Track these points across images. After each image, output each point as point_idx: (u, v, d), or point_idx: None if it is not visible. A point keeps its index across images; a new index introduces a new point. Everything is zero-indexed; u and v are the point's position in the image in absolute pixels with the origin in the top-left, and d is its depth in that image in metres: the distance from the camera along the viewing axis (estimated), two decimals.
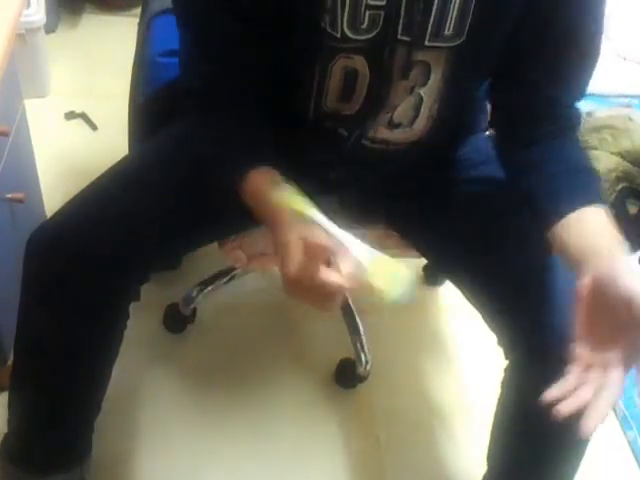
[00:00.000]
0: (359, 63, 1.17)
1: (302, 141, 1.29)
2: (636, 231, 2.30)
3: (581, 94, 1.26)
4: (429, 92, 1.22)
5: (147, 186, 1.28)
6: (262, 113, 1.20)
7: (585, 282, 1.00)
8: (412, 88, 1.21)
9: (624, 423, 1.92)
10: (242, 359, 1.91)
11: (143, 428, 1.74)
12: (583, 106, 2.93)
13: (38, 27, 2.37)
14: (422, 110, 1.25)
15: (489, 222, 1.32)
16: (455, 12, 1.11)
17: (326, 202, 1.52)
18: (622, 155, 2.42)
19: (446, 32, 1.13)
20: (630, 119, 2.53)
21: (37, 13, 2.34)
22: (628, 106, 2.76)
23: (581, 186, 1.16)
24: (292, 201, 1.04)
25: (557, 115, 1.24)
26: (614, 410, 1.94)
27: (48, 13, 2.42)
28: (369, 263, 0.98)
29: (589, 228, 1.10)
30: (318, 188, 1.38)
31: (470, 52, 1.16)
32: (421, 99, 1.23)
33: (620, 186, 2.37)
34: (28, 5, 2.31)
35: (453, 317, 2.11)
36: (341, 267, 0.97)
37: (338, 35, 1.13)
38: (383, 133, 1.27)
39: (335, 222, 1.49)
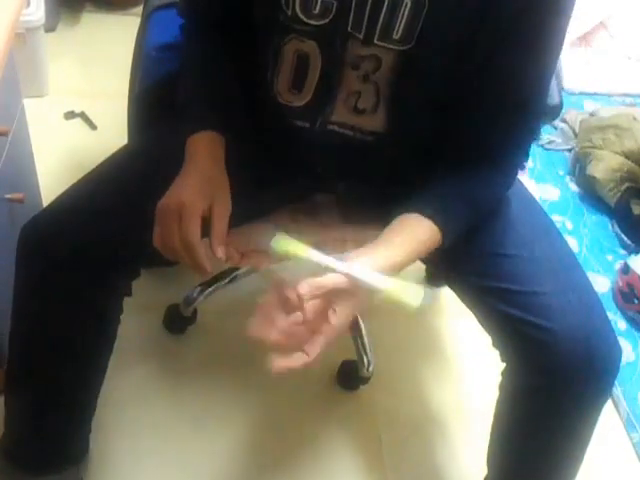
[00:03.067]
0: (311, 48, 1.20)
1: (278, 146, 1.31)
2: None
3: (517, 151, 1.26)
4: (381, 78, 1.22)
5: (135, 180, 1.28)
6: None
7: None
8: (365, 76, 1.22)
9: (628, 424, 1.91)
10: (243, 360, 1.90)
11: (143, 429, 1.74)
12: (587, 105, 2.94)
13: (38, 26, 2.36)
14: (381, 96, 1.24)
15: (484, 227, 1.31)
16: (404, 18, 1.13)
17: (324, 200, 1.53)
18: (626, 155, 2.42)
19: (394, 36, 1.15)
20: (634, 118, 2.53)
21: (37, 12, 2.33)
22: (632, 105, 2.77)
23: (443, 205, 1.19)
24: (290, 246, 1.11)
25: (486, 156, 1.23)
26: (618, 411, 1.94)
27: (48, 12, 2.42)
28: (383, 286, 1.05)
29: (397, 228, 1.17)
30: (312, 186, 1.38)
31: (420, 58, 1.17)
32: (377, 85, 1.23)
33: (624, 186, 2.37)
34: (28, 4, 2.30)
35: (455, 318, 2.10)
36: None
37: (289, 13, 1.16)
38: (349, 119, 1.27)
39: (333, 222, 1.49)
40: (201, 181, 1.16)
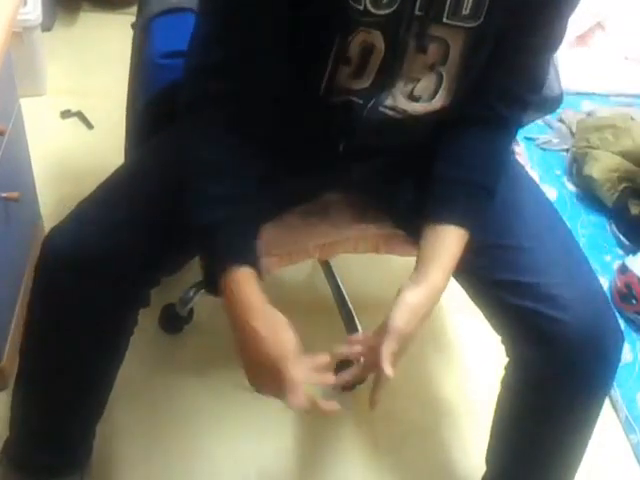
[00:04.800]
0: (376, 38, 1.18)
1: (312, 110, 1.29)
2: (638, 231, 2.30)
3: (538, 87, 1.33)
4: (449, 70, 1.22)
5: (152, 191, 1.28)
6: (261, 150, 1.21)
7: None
8: (432, 65, 1.21)
9: (627, 426, 1.91)
10: (240, 360, 1.89)
11: (141, 429, 1.74)
12: (585, 105, 2.93)
13: (35, 25, 2.37)
14: (442, 87, 1.25)
15: (493, 220, 1.32)
16: None
17: (335, 200, 1.52)
18: (623, 155, 2.42)
19: (464, 12, 1.13)
20: (632, 118, 2.53)
21: (34, 11, 2.34)
22: (630, 105, 2.76)
23: (463, 205, 1.25)
24: None
25: (505, 103, 1.28)
26: (616, 413, 1.94)
27: (45, 11, 2.42)
28: None
29: (434, 246, 1.23)
30: (324, 167, 1.36)
31: (486, 35, 1.17)
32: (441, 77, 1.23)
33: (622, 186, 2.36)
34: (25, 3, 2.30)
35: (453, 317, 2.10)
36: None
37: (361, 8, 1.13)
38: (403, 104, 1.27)
39: (344, 222, 1.48)
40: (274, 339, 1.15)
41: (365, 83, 1.23)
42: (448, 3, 1.12)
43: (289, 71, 1.22)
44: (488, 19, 1.14)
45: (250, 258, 1.16)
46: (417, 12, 1.14)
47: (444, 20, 1.15)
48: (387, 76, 1.22)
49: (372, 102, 1.25)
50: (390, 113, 1.27)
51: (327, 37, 1.19)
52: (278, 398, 1.16)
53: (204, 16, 1.22)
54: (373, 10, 1.14)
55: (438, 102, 1.26)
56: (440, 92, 1.25)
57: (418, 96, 1.25)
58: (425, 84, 1.24)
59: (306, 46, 1.20)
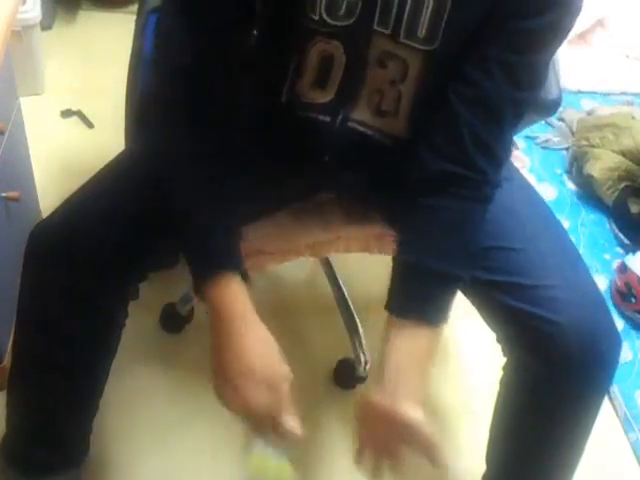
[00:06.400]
0: (336, 49, 1.19)
1: (288, 132, 1.29)
2: (638, 230, 2.30)
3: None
4: (407, 89, 1.22)
5: (143, 184, 1.27)
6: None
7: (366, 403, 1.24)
8: (393, 82, 1.22)
9: (626, 424, 1.91)
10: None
11: (140, 428, 1.73)
12: (585, 104, 2.92)
13: (34, 24, 2.36)
14: (402, 103, 1.24)
15: (489, 222, 1.31)
16: (428, 14, 1.12)
17: (327, 199, 1.53)
18: (624, 154, 2.41)
19: (419, 33, 1.14)
20: (632, 117, 2.53)
21: (33, 10, 2.33)
22: (630, 104, 2.76)
23: (432, 299, 1.24)
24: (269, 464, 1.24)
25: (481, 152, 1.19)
26: (616, 411, 1.94)
27: (44, 10, 2.41)
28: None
29: (407, 350, 1.20)
30: (313, 180, 1.37)
31: (445, 59, 1.16)
32: (400, 95, 1.23)
33: (622, 185, 2.37)
34: (24, 2, 2.30)
35: (452, 317, 2.09)
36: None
37: (316, 18, 1.15)
38: (370, 119, 1.27)
39: (336, 221, 1.48)
40: (267, 345, 1.24)
41: (329, 95, 1.24)
42: (404, 23, 1.13)
43: (254, 80, 1.24)
44: (443, 45, 1.14)
45: (235, 262, 1.18)
46: (376, 27, 1.15)
47: (401, 40, 1.15)
48: (349, 89, 1.23)
49: (340, 117, 1.26)
50: (361, 129, 1.27)
51: (286, 44, 1.20)
52: (245, 414, 1.26)
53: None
54: (329, 20, 1.15)
55: (403, 117, 1.25)
56: (402, 108, 1.24)
57: (385, 110, 1.25)
58: (389, 98, 1.24)
59: (265, 53, 1.22)
